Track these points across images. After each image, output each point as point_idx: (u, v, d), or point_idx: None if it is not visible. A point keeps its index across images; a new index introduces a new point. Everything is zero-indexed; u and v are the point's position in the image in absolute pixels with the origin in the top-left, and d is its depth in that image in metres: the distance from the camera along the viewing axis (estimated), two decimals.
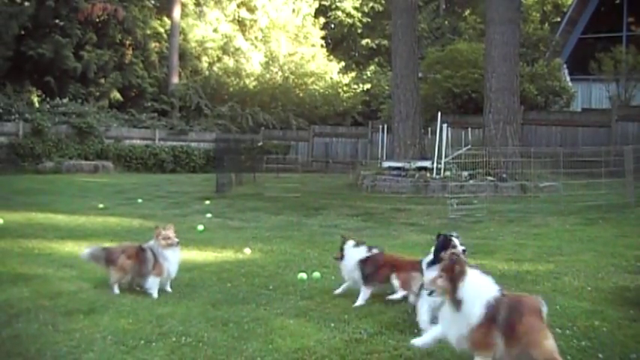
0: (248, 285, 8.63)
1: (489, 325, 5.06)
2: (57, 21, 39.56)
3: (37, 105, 36.07)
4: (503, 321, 5.05)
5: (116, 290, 8.12)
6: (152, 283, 8.09)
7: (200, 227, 14.01)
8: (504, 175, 20.24)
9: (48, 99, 36.80)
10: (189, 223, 14.71)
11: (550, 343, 5.03)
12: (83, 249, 8.76)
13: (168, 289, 8.29)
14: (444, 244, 6.63)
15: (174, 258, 8.21)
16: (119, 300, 7.73)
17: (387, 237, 12.90)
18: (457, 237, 6.76)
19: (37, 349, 6.03)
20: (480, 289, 5.26)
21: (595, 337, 6.22)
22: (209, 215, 16.12)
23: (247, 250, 11.16)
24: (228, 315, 7.11)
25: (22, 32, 37.74)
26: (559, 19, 40.80)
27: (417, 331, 6.34)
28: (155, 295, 8.05)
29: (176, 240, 8.20)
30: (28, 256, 10.54)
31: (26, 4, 37.68)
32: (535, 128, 29.65)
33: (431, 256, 6.75)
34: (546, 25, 39.81)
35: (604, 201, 16.41)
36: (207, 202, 19.12)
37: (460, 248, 6.56)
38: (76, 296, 7.91)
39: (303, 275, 8.95)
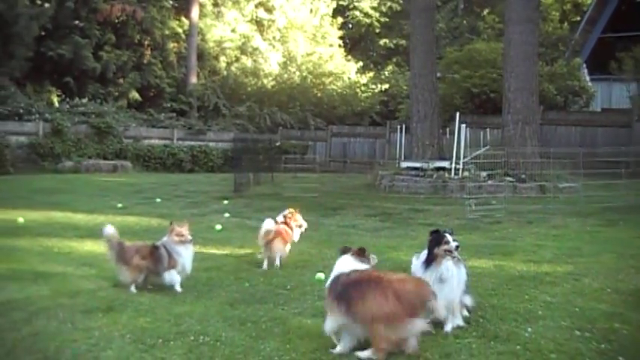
0: (266, 285, 8.63)
1: (329, 293, 6.09)
2: (76, 22, 39.81)
3: (56, 105, 36.35)
4: (339, 291, 5.96)
5: (133, 289, 8.16)
6: (171, 277, 8.13)
7: (218, 227, 14.02)
8: (523, 176, 20.13)
9: (67, 99, 37.10)
10: (207, 223, 14.73)
11: (373, 307, 5.74)
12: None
13: (178, 288, 8.29)
14: (437, 240, 6.61)
15: (187, 254, 8.25)
16: (137, 299, 7.76)
17: (404, 237, 12.88)
18: (451, 233, 6.72)
19: (56, 346, 6.06)
20: (335, 268, 6.34)
21: (615, 340, 6.17)
22: (227, 215, 16.12)
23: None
24: (246, 314, 7.12)
25: (43, 33, 37.96)
26: (579, 19, 40.58)
27: (435, 332, 6.32)
28: (178, 288, 8.11)
29: (189, 237, 8.23)
30: (47, 255, 10.61)
31: (46, 5, 37.87)
32: (554, 128, 29.50)
33: (425, 252, 6.72)
34: (565, 24, 39.57)
35: (624, 202, 16.30)
36: (225, 201, 19.13)
37: (453, 244, 6.54)
38: (95, 294, 7.95)
39: (320, 275, 8.92)
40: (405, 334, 5.74)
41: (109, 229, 8.43)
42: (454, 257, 6.53)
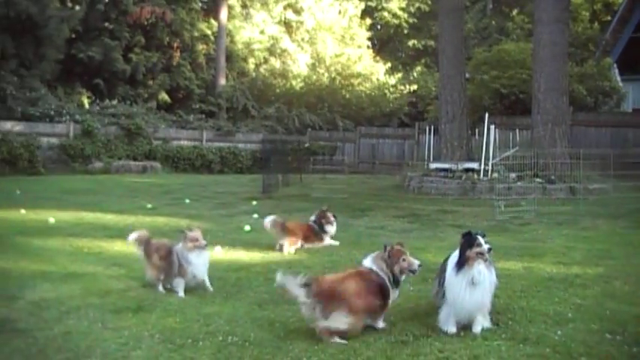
0: None
1: None
2: (106, 24, 40.22)
3: (87, 107, 36.68)
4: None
5: (161, 288, 8.24)
6: (176, 284, 8.15)
7: (247, 227, 14.03)
8: (553, 177, 20.01)
9: (97, 101, 37.43)
10: (236, 224, 14.76)
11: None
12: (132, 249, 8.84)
13: (209, 287, 8.29)
14: (469, 242, 6.53)
15: (199, 261, 8.15)
16: (167, 299, 7.80)
17: (433, 239, 12.83)
18: (483, 235, 6.63)
19: (86, 345, 6.11)
20: None
21: None
22: (256, 216, 16.11)
23: (291, 250, 11.18)
24: (275, 315, 7.13)
25: (73, 35, 38.38)
26: (609, 18, 40.21)
27: (464, 334, 6.31)
28: (181, 294, 8.08)
29: (204, 242, 8.18)
30: (78, 255, 10.68)
31: (77, 8, 38.28)
32: (584, 129, 29.25)
33: (456, 254, 6.65)
34: (596, 24, 39.28)
35: None
36: (254, 202, 19.14)
37: (485, 247, 6.46)
38: (125, 294, 8.00)
39: None
40: None
41: (133, 235, 8.57)
42: (486, 260, 6.46)
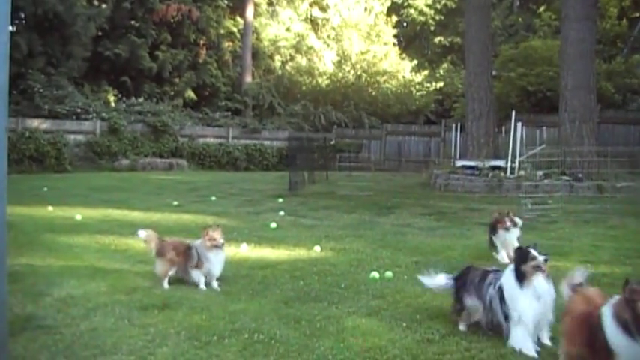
0: (320, 283, 8.62)
1: None
2: (133, 22, 40.46)
3: (113, 104, 36.95)
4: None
5: (165, 284, 8.37)
6: (196, 276, 8.38)
7: (273, 225, 14.03)
8: (580, 175, 19.89)
9: (124, 98, 37.72)
10: (262, 221, 14.78)
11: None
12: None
13: (217, 287, 8.38)
14: (522, 257, 6.37)
15: (216, 259, 8.37)
16: (192, 296, 7.82)
17: (460, 237, 12.77)
18: (535, 247, 6.46)
19: (113, 342, 6.13)
20: None
21: None
22: (282, 213, 16.14)
23: (317, 248, 11.17)
24: (300, 313, 7.11)
25: (100, 33, 38.69)
26: (637, 15, 39.84)
27: (493, 333, 6.28)
28: (202, 286, 8.29)
29: (221, 241, 8.36)
30: (105, 252, 10.74)
31: (103, 6, 38.50)
32: (612, 127, 29.04)
33: (512, 270, 6.46)
34: (624, 20, 38.90)
35: None
36: (280, 200, 19.16)
37: (541, 258, 6.29)
38: (151, 291, 8.03)
39: (375, 274, 8.91)
40: None
41: (143, 232, 8.83)
42: (543, 271, 6.29)
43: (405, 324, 6.68)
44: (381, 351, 5.90)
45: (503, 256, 9.83)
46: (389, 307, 7.36)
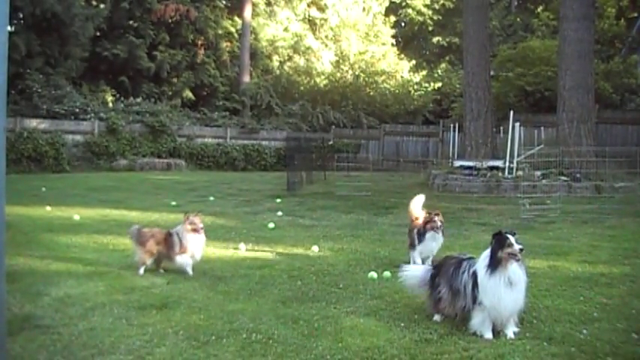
0: (318, 283, 8.64)
1: None
2: (131, 22, 40.46)
3: (111, 104, 36.88)
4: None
5: (141, 271, 8.88)
6: (182, 261, 8.80)
7: (271, 225, 14.06)
8: (578, 175, 19.91)
9: (122, 98, 37.63)
10: (260, 221, 14.81)
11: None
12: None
13: (190, 272, 8.86)
14: (500, 242, 6.41)
15: (197, 242, 8.86)
16: (191, 296, 7.84)
17: (458, 237, 12.78)
18: (514, 234, 6.52)
19: (111, 342, 6.14)
20: None
21: None
22: (280, 213, 16.15)
23: (315, 248, 11.18)
24: (299, 313, 7.14)
25: (98, 34, 38.66)
26: (636, 15, 39.85)
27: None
28: (190, 272, 8.74)
29: (200, 226, 8.84)
30: (103, 252, 10.77)
31: (101, 6, 38.51)
32: (610, 127, 29.05)
33: (488, 254, 6.49)
34: (622, 20, 38.88)
35: None
36: (278, 200, 19.18)
37: (517, 247, 6.35)
38: (149, 291, 8.05)
39: (373, 274, 8.93)
40: None
41: (134, 229, 9.32)
42: (518, 260, 6.34)
43: (403, 324, 6.71)
44: (379, 351, 5.92)
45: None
46: (387, 307, 7.39)
